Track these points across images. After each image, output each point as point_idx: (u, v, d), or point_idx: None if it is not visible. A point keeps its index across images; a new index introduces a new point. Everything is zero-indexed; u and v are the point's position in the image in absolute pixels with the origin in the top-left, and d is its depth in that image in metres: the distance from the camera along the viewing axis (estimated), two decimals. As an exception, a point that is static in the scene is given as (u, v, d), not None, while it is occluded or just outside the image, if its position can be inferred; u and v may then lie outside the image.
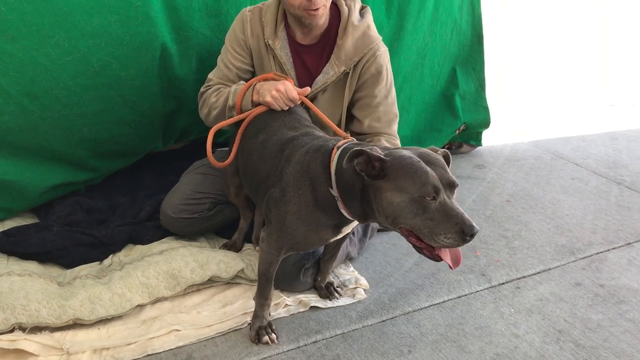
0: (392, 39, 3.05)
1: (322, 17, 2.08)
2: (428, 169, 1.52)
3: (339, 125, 2.27)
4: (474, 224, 1.47)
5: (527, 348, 1.98)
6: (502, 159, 3.64)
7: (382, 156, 1.53)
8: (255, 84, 2.13)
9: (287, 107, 2.08)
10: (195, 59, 2.57)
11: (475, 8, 3.42)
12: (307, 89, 2.12)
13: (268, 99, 2.05)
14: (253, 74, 2.31)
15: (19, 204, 2.51)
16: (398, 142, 2.21)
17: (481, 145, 3.74)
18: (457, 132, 3.57)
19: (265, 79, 2.14)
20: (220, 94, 2.21)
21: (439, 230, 1.49)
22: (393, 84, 2.28)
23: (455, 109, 3.49)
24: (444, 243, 1.50)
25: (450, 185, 1.53)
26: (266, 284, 1.96)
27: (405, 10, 3.07)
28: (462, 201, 3.05)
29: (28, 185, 2.44)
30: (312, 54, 2.22)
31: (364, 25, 2.18)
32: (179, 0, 2.41)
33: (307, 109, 2.17)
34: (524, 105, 4.85)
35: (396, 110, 2.29)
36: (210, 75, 2.30)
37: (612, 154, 3.75)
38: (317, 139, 1.87)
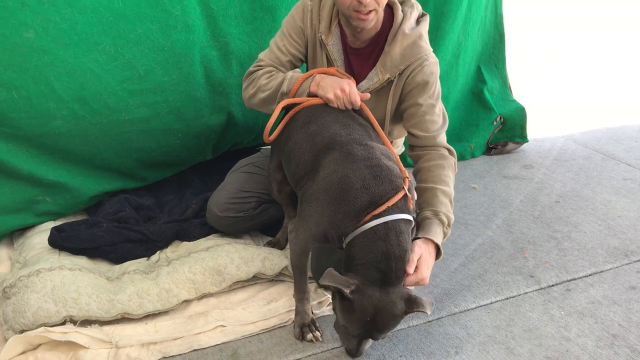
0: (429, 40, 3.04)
1: (372, 21, 2.00)
2: (363, 324, 1.70)
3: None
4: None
5: (579, 352, 1.92)
6: (551, 159, 3.55)
7: (350, 297, 1.67)
8: (316, 76, 2.08)
9: (345, 109, 2.05)
10: (236, 63, 2.63)
11: (498, 6, 3.53)
12: (367, 95, 2.09)
13: (330, 96, 2.01)
14: (302, 63, 2.27)
15: (71, 208, 2.58)
16: (452, 160, 2.09)
17: (527, 141, 3.65)
18: (495, 123, 3.54)
19: (326, 73, 2.10)
20: (273, 77, 2.14)
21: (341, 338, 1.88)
22: (440, 95, 2.16)
23: (487, 103, 3.55)
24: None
25: (370, 338, 1.79)
26: (300, 277, 1.97)
27: (441, 10, 3.09)
28: (509, 201, 2.99)
29: (80, 188, 2.52)
30: (359, 58, 2.16)
31: (415, 35, 2.08)
32: (216, 9, 2.50)
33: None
34: (575, 103, 4.70)
35: (445, 117, 2.17)
36: (261, 56, 2.24)
37: (667, 154, 3.62)
38: (375, 168, 1.80)
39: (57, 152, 2.40)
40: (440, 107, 2.14)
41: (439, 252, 1.92)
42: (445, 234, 1.96)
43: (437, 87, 2.12)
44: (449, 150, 2.11)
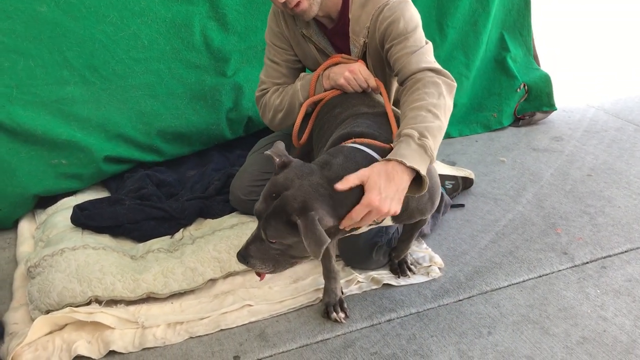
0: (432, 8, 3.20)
1: (312, 7, 1.95)
2: (266, 198, 1.51)
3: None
4: (241, 254, 1.55)
5: (617, 332, 1.86)
6: (581, 130, 3.44)
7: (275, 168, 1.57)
8: (323, 72, 2.06)
9: (361, 90, 2.00)
10: (233, 32, 2.79)
11: None
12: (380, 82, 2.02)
13: (341, 81, 1.98)
14: (301, 63, 2.25)
15: (87, 168, 2.60)
16: (433, 78, 1.76)
17: (555, 109, 3.53)
18: (518, 90, 3.45)
19: (333, 64, 2.07)
20: (284, 93, 2.15)
21: None
22: (418, 26, 1.94)
23: (509, 70, 3.47)
24: None
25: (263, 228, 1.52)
26: (324, 259, 1.92)
27: None
28: (539, 175, 2.90)
29: (92, 147, 2.57)
30: (339, 37, 2.11)
31: None
32: None
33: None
34: (606, 73, 4.55)
35: (427, 43, 1.92)
36: (261, 77, 2.27)
37: (703, 124, 3.48)
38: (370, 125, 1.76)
39: (72, 118, 2.54)
40: (415, 38, 1.91)
41: (422, 180, 1.56)
42: (424, 147, 1.55)
43: (406, 21, 1.91)
44: (430, 69, 1.80)
